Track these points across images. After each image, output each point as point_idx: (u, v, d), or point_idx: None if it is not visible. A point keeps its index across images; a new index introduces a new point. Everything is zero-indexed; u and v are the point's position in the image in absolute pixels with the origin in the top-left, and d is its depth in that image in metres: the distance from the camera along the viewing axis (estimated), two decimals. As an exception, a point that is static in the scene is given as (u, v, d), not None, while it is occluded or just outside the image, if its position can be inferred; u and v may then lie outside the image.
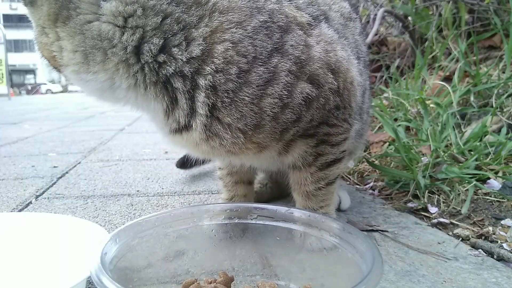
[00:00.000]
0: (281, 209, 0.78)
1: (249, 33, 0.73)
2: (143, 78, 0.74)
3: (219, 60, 0.71)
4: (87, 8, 0.69)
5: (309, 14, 0.83)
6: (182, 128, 0.78)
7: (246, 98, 0.73)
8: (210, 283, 0.68)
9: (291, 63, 0.75)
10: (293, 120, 0.79)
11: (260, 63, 0.73)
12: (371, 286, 0.50)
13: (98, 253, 0.58)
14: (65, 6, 0.69)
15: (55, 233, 0.82)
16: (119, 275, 0.61)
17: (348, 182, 1.60)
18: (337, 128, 0.87)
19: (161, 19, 0.70)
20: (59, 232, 0.82)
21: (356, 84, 0.87)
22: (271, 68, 0.74)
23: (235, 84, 0.72)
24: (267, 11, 0.76)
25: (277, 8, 0.77)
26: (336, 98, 0.82)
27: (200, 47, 0.71)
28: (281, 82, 0.75)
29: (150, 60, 0.72)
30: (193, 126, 0.76)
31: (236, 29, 0.72)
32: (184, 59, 0.72)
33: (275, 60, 0.74)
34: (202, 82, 0.72)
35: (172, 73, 0.73)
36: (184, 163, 1.60)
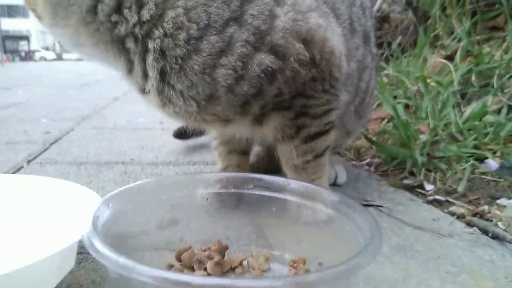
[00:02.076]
0: (278, 180, 0.76)
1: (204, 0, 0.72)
2: (101, 37, 0.76)
3: (168, 25, 0.71)
4: None
5: None
6: (143, 90, 0.80)
7: (196, 66, 0.72)
8: (204, 250, 0.67)
9: (248, 34, 0.72)
10: (253, 94, 0.76)
11: (213, 32, 0.71)
12: (369, 258, 0.49)
13: (90, 217, 0.56)
14: None
15: (47, 195, 0.81)
16: (111, 239, 0.59)
17: (344, 158, 1.60)
18: (315, 100, 0.83)
19: None
20: (51, 195, 0.80)
21: (338, 54, 0.82)
22: (226, 38, 0.72)
23: (183, 51, 0.72)
24: None
25: None
26: (312, 70, 0.79)
27: (151, 12, 0.72)
28: (236, 52, 0.72)
29: (104, 20, 0.73)
30: (147, 89, 0.78)
31: None
32: (134, 21, 0.73)
33: (231, 29, 0.72)
34: (151, 45, 0.73)
35: (124, 33, 0.74)
36: (182, 133, 1.58)
